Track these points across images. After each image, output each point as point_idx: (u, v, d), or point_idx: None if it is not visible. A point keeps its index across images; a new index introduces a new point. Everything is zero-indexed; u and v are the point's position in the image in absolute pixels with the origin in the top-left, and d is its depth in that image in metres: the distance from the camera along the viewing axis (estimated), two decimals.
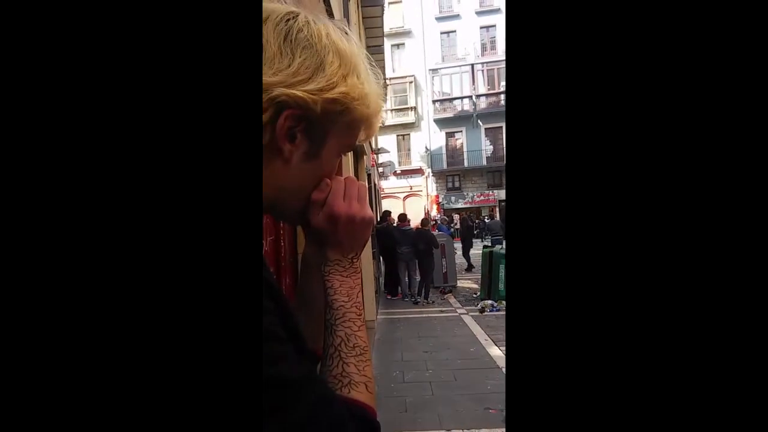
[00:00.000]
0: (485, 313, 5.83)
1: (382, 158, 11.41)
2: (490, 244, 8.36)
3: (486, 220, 16.22)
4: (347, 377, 0.44)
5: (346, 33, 0.45)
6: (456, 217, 15.94)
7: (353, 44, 0.45)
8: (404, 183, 20.48)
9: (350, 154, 4.62)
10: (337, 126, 0.45)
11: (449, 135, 20.57)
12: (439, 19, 20.59)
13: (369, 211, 0.49)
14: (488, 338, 4.70)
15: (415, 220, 7.97)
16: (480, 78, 19.81)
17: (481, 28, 20.16)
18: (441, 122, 20.38)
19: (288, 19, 0.42)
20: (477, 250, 10.28)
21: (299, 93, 0.40)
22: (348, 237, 0.48)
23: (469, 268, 9.98)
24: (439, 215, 16.48)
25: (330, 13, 3.34)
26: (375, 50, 8.63)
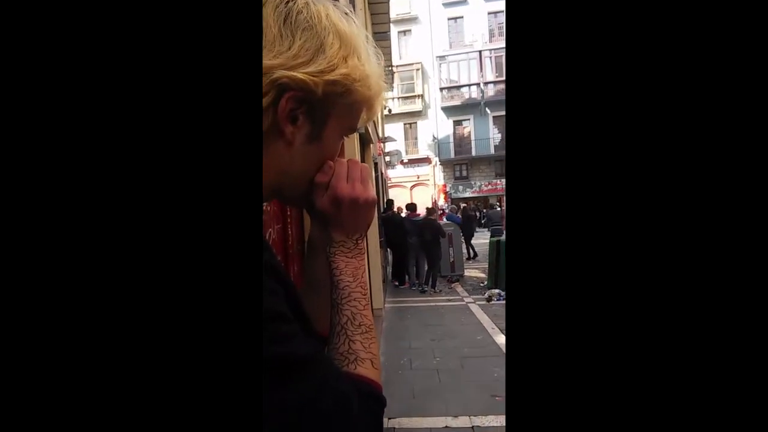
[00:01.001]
0: (492, 302, 5.84)
1: (389, 147, 11.38)
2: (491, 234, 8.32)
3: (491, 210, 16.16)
4: (353, 354, 0.45)
5: (346, 14, 0.45)
6: (463, 206, 15.92)
7: (353, 25, 0.44)
8: (411, 172, 20.41)
9: (357, 143, 4.61)
10: (339, 107, 0.44)
11: (457, 123, 20.39)
12: (446, 5, 20.26)
13: (372, 193, 0.50)
14: (495, 327, 4.72)
15: (421, 210, 7.92)
16: (488, 65, 19.53)
17: (489, 13, 19.80)
18: (448, 110, 20.20)
19: (287, 1, 0.42)
20: (483, 239, 10.27)
21: (300, 75, 0.40)
22: (352, 218, 0.49)
23: (471, 257, 9.98)
24: (446, 204, 16.43)
25: None
26: (381, 37, 8.52)
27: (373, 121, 7.08)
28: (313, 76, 0.41)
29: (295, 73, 0.40)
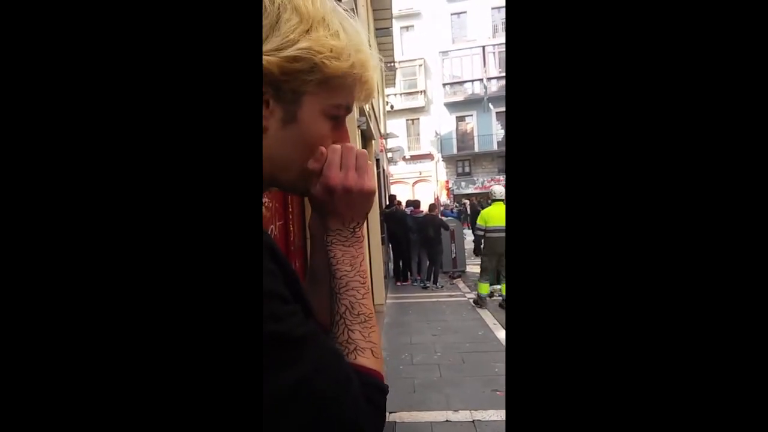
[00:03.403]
0: (494, 297, 5.84)
1: (391, 143, 11.32)
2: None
3: None
4: (353, 344, 0.45)
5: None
6: (467, 202, 15.87)
7: (317, 1, 0.43)
8: (413, 168, 20.31)
9: (358, 139, 4.59)
10: (312, 85, 0.43)
11: (459, 119, 20.26)
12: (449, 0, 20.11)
13: (368, 182, 0.48)
14: (496, 322, 4.72)
15: (424, 207, 7.88)
16: (491, 60, 19.36)
17: (493, 8, 19.61)
18: (451, 106, 20.07)
19: None
20: None
21: None
22: (347, 208, 0.48)
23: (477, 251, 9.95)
24: (448, 200, 16.37)
25: None
26: (383, 33, 8.48)
27: (375, 118, 7.05)
28: (268, 54, 0.39)
29: None
